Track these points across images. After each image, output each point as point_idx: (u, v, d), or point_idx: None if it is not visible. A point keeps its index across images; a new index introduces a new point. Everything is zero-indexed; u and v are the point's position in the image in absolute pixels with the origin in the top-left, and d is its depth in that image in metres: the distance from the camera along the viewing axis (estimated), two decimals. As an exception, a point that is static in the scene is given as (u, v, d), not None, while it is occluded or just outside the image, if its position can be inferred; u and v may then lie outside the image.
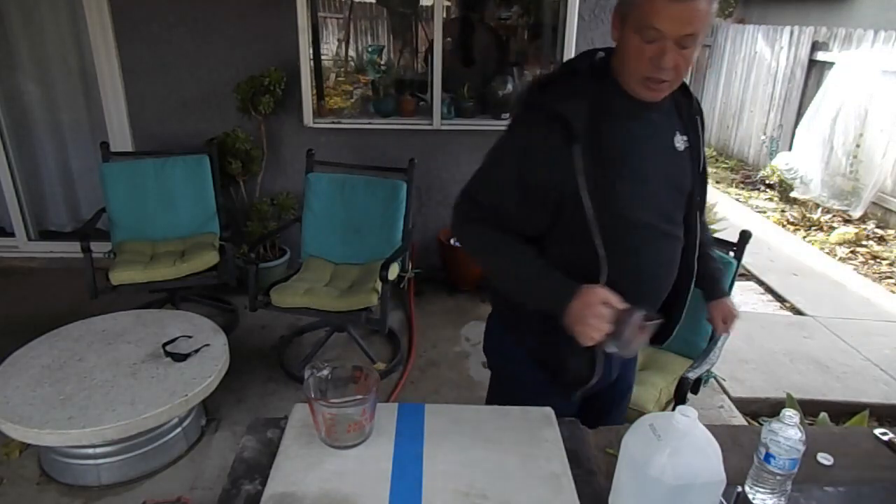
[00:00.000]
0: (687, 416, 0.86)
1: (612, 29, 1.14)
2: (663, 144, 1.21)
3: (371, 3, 4.96)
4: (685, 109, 1.24)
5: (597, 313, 1.07)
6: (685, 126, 1.24)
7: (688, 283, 1.33)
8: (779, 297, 4.01)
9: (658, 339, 1.39)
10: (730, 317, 1.45)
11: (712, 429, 0.90)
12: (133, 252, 3.02)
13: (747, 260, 3.69)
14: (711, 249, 1.49)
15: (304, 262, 3.02)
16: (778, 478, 0.96)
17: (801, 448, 0.94)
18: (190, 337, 2.34)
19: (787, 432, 0.94)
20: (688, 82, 1.23)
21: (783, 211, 5.97)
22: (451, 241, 3.53)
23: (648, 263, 1.24)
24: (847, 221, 5.60)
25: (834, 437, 1.21)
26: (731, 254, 2.00)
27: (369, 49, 4.12)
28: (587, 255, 1.16)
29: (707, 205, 1.41)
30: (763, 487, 0.98)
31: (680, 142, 1.22)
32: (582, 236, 1.15)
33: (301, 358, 2.97)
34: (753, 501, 0.99)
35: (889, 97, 5.36)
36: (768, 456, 0.95)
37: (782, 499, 0.97)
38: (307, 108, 3.43)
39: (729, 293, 1.49)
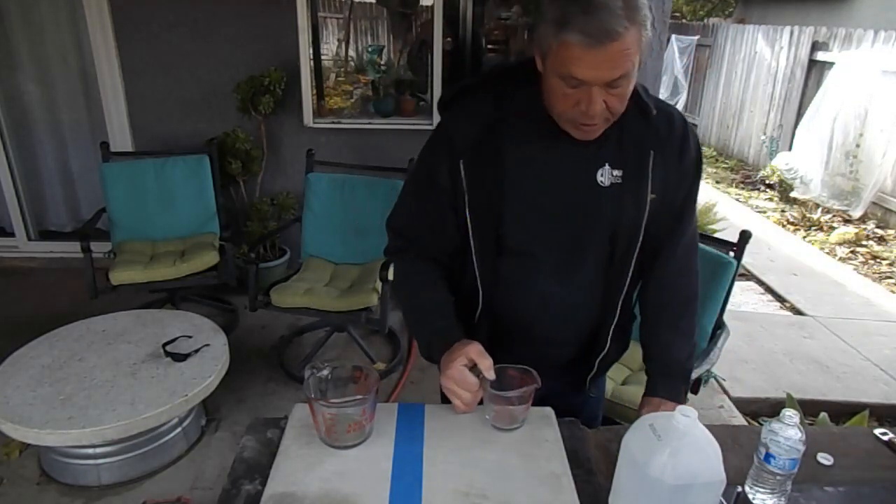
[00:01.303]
0: (687, 416, 0.86)
1: (536, 57, 1.00)
2: (578, 176, 1.07)
3: (371, 3, 4.97)
4: (633, 139, 1.07)
5: (454, 375, 1.01)
6: (624, 159, 1.07)
7: (602, 340, 1.19)
8: (779, 297, 4.01)
9: (575, 385, 1.28)
10: None
11: (712, 429, 0.90)
12: (133, 252, 3.02)
13: (747, 260, 3.69)
14: (679, 332, 1.19)
15: (304, 262, 3.02)
16: (778, 478, 0.96)
17: (801, 448, 0.94)
18: (190, 337, 2.34)
19: (787, 432, 0.94)
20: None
21: (783, 211, 5.97)
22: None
23: (529, 303, 1.15)
24: (847, 221, 5.60)
25: (834, 437, 1.21)
26: (731, 254, 2.00)
27: (369, 49, 4.13)
28: (470, 281, 1.15)
29: (708, 205, 1.29)
30: (763, 487, 0.98)
31: (607, 176, 1.07)
32: (466, 258, 1.13)
33: (301, 358, 2.97)
34: (753, 501, 0.99)
35: (889, 97, 5.36)
36: (768, 456, 0.95)
37: (782, 499, 0.98)
38: (307, 108, 3.43)
39: (676, 397, 1.15)
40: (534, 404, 1.14)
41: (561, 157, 1.07)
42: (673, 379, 1.17)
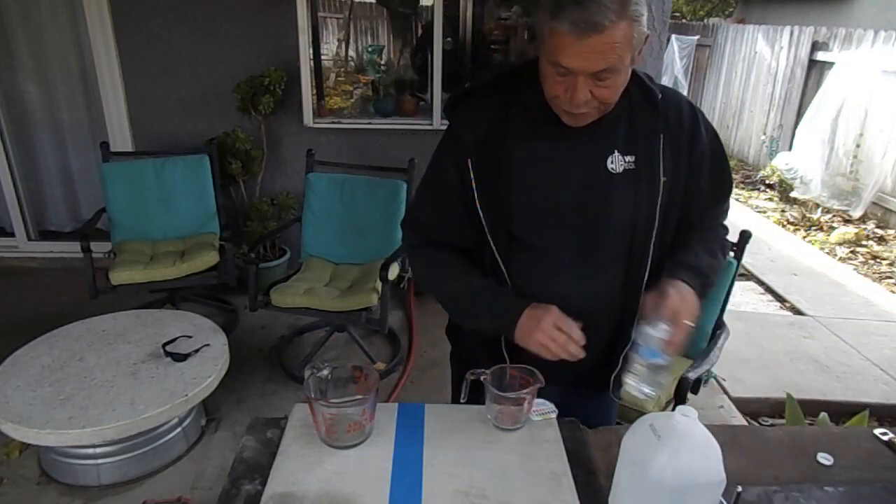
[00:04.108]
0: (687, 416, 0.86)
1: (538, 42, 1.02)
2: (586, 167, 1.08)
3: (371, 3, 4.97)
4: (642, 124, 1.09)
5: (550, 329, 1.05)
6: (635, 143, 1.09)
7: (626, 336, 1.15)
8: (779, 297, 4.01)
9: (598, 386, 1.27)
10: (675, 305, 1.03)
11: (712, 429, 0.90)
12: (133, 252, 3.02)
13: (747, 260, 3.69)
14: (705, 245, 1.19)
15: (304, 262, 3.02)
16: (641, 365, 1.05)
17: (660, 347, 1.02)
18: (190, 337, 2.34)
19: (651, 332, 1.02)
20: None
21: (783, 211, 5.97)
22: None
23: (550, 295, 1.12)
24: (847, 221, 5.60)
25: (834, 437, 1.21)
26: (731, 254, 2.00)
27: (369, 49, 4.13)
28: (493, 275, 1.16)
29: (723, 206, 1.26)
30: (635, 375, 1.06)
31: (618, 162, 1.08)
32: (485, 256, 1.15)
33: (301, 358, 2.97)
34: (628, 389, 1.08)
35: (889, 97, 5.36)
36: (635, 345, 1.06)
37: (657, 390, 1.06)
38: (307, 108, 3.43)
39: (697, 288, 1.10)
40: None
41: (568, 149, 1.09)
42: (695, 273, 1.11)
